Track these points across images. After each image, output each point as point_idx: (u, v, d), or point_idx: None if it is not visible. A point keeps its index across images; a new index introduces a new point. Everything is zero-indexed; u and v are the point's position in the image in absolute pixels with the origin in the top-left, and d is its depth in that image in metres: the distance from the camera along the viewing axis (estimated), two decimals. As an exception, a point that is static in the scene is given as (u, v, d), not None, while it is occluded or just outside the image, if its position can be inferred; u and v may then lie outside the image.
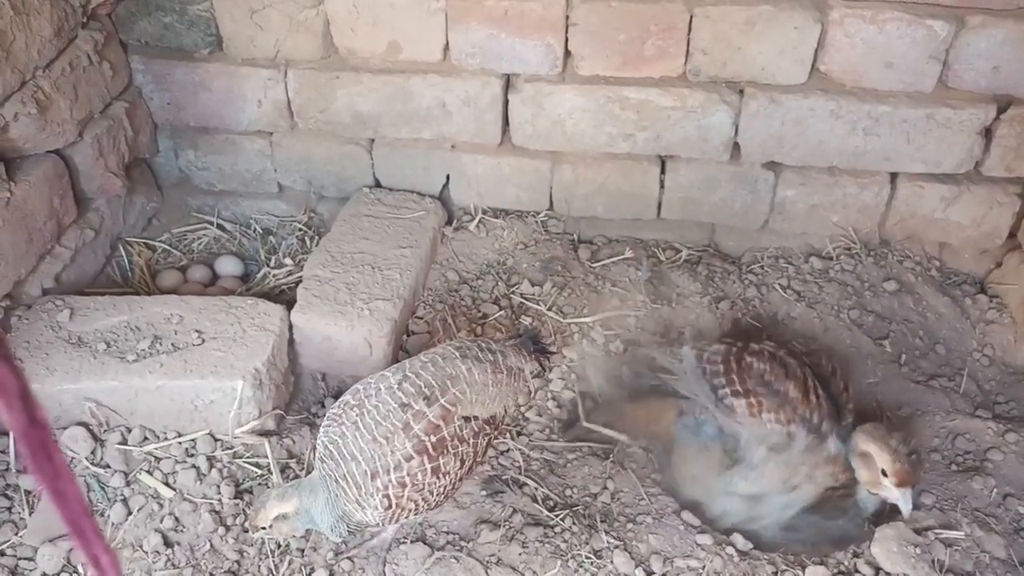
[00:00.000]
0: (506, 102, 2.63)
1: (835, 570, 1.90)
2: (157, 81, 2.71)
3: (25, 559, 1.91)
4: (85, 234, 2.52)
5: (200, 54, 2.66)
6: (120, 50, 2.63)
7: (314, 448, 1.89)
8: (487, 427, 1.90)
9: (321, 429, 1.84)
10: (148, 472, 2.06)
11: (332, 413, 1.83)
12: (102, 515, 1.98)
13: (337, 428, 1.79)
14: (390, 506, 1.74)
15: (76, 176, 2.46)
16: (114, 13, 2.58)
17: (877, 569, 1.91)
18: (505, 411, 1.98)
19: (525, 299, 2.59)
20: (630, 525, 2.02)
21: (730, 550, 1.95)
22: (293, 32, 2.58)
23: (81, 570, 1.90)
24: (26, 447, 0.59)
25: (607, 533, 1.99)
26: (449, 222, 2.82)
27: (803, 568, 1.91)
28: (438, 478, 1.78)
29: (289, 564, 1.93)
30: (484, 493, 2.07)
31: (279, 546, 1.96)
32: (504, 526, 2.00)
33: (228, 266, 2.73)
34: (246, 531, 1.96)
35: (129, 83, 2.69)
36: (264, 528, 1.81)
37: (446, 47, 2.56)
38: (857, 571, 1.91)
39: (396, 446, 1.74)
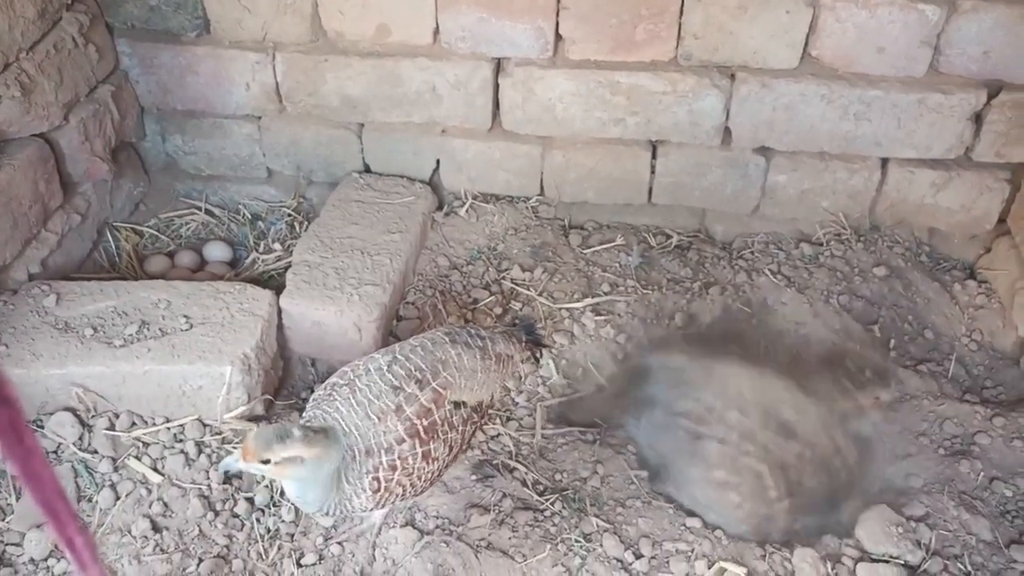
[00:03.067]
0: (496, 86, 2.62)
1: (822, 553, 1.91)
2: (144, 64, 2.68)
3: (12, 545, 1.91)
4: (71, 219, 2.50)
5: (187, 37, 2.63)
6: (106, 33, 2.60)
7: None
8: (474, 415, 1.90)
9: (310, 405, 1.80)
10: (136, 457, 2.05)
11: (320, 394, 1.81)
12: (90, 500, 1.98)
13: (332, 403, 1.76)
14: (379, 489, 1.73)
15: (62, 160, 2.44)
16: (99, -5, 2.55)
17: (863, 551, 1.92)
18: (492, 398, 1.97)
19: (516, 284, 2.59)
20: (620, 509, 2.02)
21: (719, 533, 1.96)
22: (281, 14, 2.55)
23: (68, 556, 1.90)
24: None
25: (597, 517, 1.99)
26: (439, 207, 2.81)
27: (791, 551, 1.92)
28: (427, 463, 1.78)
29: (279, 549, 1.93)
30: (474, 478, 2.07)
31: (268, 531, 1.96)
32: (494, 510, 2.00)
33: (216, 251, 2.71)
34: (228, 474, 1.88)
35: (115, 66, 2.66)
36: (265, 462, 1.60)
37: (436, 30, 2.54)
38: (843, 553, 1.92)
39: (388, 427, 1.73)
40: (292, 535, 1.96)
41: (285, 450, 1.61)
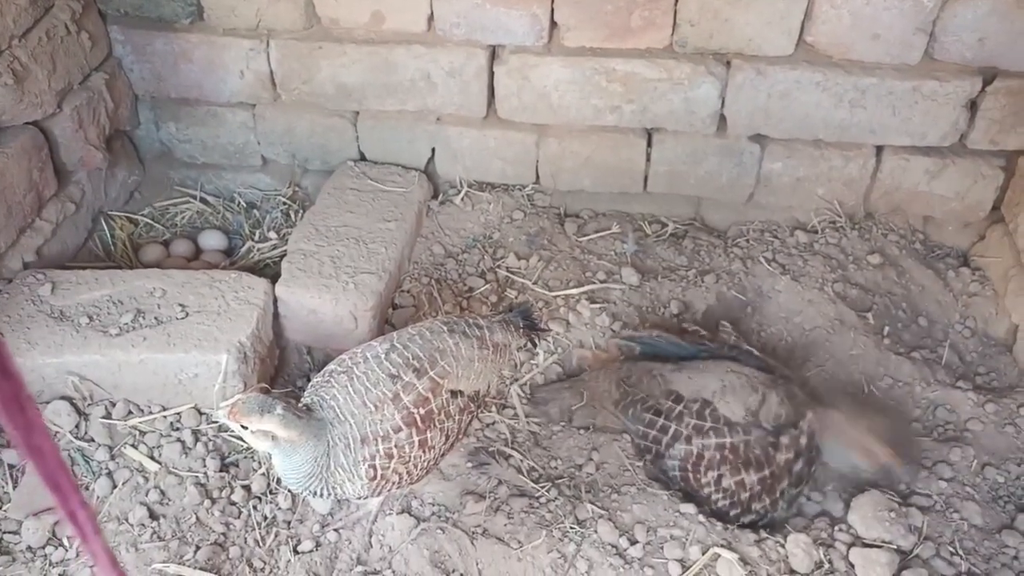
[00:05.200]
0: (492, 74, 2.61)
1: (815, 538, 1.93)
2: (137, 52, 2.66)
3: (10, 533, 1.91)
4: (66, 207, 2.49)
5: (181, 24, 2.62)
6: (99, 20, 2.58)
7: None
8: (471, 404, 1.90)
9: (307, 391, 1.81)
10: (133, 446, 2.06)
11: (318, 381, 1.82)
12: (87, 488, 1.98)
13: (329, 390, 1.77)
14: (375, 477, 1.74)
15: (56, 149, 2.43)
16: (91, -19, 2.53)
17: (855, 536, 1.94)
18: (489, 387, 1.98)
19: (511, 273, 2.59)
20: (614, 496, 2.03)
21: (713, 519, 1.97)
22: (275, 1, 2.54)
23: (66, 543, 1.91)
24: None
25: (592, 503, 2.00)
26: (435, 195, 2.81)
27: (784, 536, 1.93)
28: (424, 451, 1.79)
29: (276, 536, 1.94)
30: (470, 465, 2.08)
31: (265, 518, 1.97)
32: (489, 497, 2.01)
33: (212, 240, 2.71)
34: (219, 427, 1.99)
35: (109, 54, 2.65)
36: (241, 427, 1.67)
37: (431, 17, 2.53)
38: (836, 539, 1.93)
39: (386, 415, 1.73)
40: (289, 522, 1.97)
41: (261, 423, 1.66)
